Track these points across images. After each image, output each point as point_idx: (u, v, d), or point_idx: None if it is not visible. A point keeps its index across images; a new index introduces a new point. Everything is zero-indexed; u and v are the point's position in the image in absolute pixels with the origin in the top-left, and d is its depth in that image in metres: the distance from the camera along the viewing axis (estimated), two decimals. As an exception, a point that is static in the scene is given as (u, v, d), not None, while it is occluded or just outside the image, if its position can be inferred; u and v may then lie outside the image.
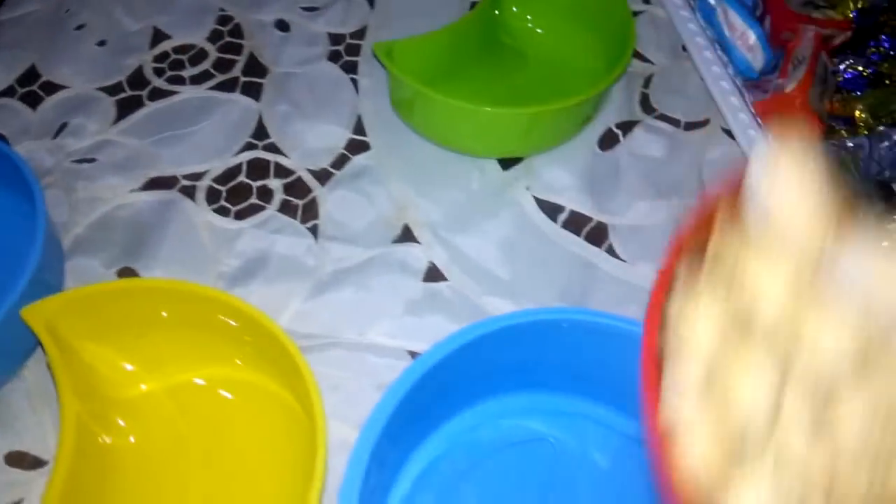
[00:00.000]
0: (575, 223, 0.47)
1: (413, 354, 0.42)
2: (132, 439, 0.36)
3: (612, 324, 0.34)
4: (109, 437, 0.35)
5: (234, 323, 0.36)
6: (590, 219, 0.47)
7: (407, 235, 0.46)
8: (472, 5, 0.58)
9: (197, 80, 0.54)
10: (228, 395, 0.39)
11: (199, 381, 0.39)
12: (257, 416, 0.38)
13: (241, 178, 0.49)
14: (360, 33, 0.57)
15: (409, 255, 0.46)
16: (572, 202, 0.48)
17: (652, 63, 0.54)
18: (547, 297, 0.44)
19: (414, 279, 0.45)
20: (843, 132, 0.48)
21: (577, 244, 0.46)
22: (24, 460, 0.38)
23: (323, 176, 0.49)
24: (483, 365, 0.35)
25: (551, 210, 0.48)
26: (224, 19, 0.58)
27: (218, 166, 0.50)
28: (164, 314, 0.37)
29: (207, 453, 0.37)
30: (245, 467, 0.37)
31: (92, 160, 0.50)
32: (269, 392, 0.38)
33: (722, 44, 0.52)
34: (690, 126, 0.52)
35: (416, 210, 0.47)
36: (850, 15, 0.52)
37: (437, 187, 0.49)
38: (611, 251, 0.46)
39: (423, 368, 0.32)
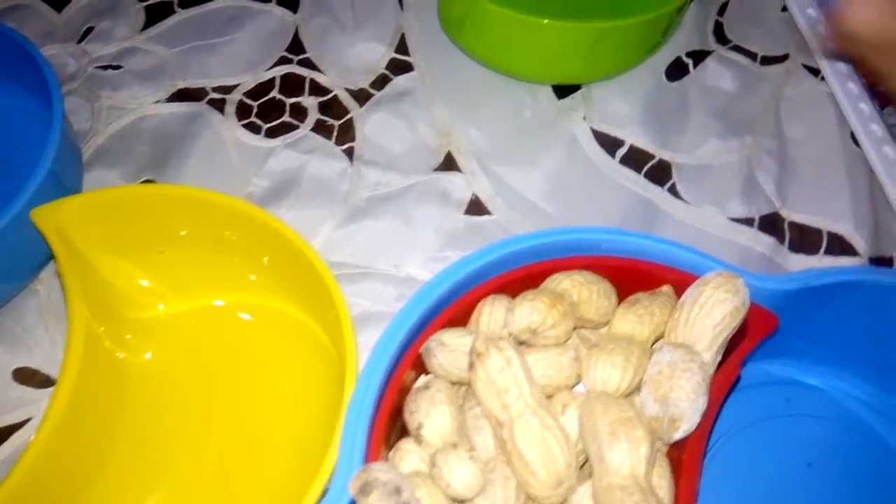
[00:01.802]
0: (635, 159, 0.43)
1: (451, 290, 0.38)
2: (148, 357, 0.34)
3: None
4: (123, 355, 0.33)
5: (260, 241, 0.33)
6: (652, 155, 0.43)
7: (449, 164, 0.43)
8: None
9: (231, -13, 0.50)
10: (250, 319, 0.36)
11: (220, 304, 0.36)
12: (282, 343, 0.36)
13: (274, 93, 0.45)
14: (409, -56, 0.52)
15: (450, 184, 0.42)
16: (633, 136, 0.44)
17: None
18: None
19: (455, 211, 0.41)
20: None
21: (635, 182, 0.42)
22: (33, 378, 0.36)
23: (361, 96, 0.45)
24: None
25: (610, 144, 0.43)
26: (263, -74, 0.53)
27: (249, 80, 0.46)
28: (184, 232, 0.34)
29: (228, 378, 0.35)
30: (268, 395, 0.34)
31: (118, 67, 0.47)
32: (296, 320, 0.36)
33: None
34: (768, 60, 0.46)
35: (461, 137, 0.43)
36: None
37: (484, 114, 0.44)
38: (673, 191, 0.42)
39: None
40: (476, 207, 0.41)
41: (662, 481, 0.24)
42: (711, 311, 0.25)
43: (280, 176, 0.42)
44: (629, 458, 0.23)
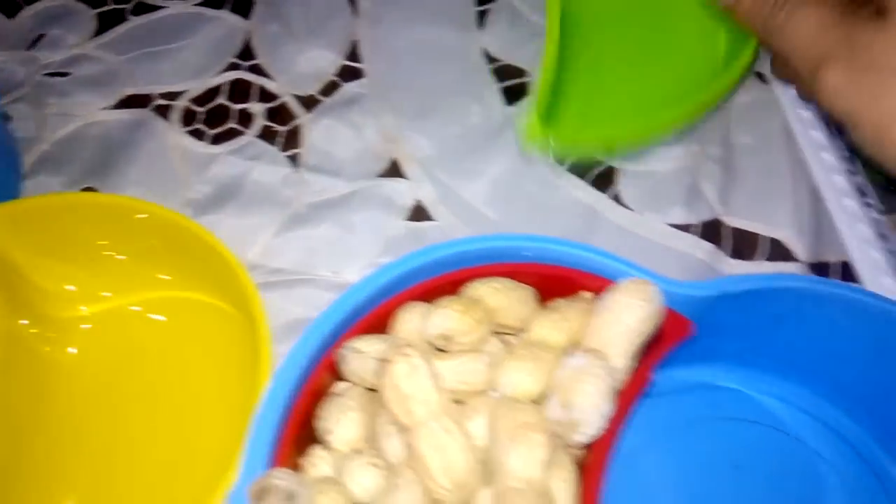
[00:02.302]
0: (581, 165, 0.43)
1: (390, 297, 0.38)
2: (71, 354, 0.34)
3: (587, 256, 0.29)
4: (46, 350, 0.33)
5: (175, 242, 0.33)
6: (599, 162, 0.43)
7: (394, 170, 0.42)
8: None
9: (184, -5, 0.50)
10: (169, 317, 0.37)
11: (139, 305, 0.36)
12: (206, 339, 0.36)
13: (221, 99, 0.45)
14: (365, -49, 0.52)
15: (394, 191, 0.42)
16: (579, 144, 0.43)
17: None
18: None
19: (397, 217, 0.41)
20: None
21: (580, 188, 0.42)
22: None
23: (310, 102, 0.45)
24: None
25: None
26: (218, -66, 0.53)
27: (197, 86, 0.46)
28: (107, 234, 0.34)
29: (152, 376, 0.35)
30: (192, 390, 0.35)
31: (65, 74, 0.47)
32: (217, 313, 0.36)
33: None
34: (719, 69, 0.46)
35: (407, 143, 0.43)
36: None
37: (432, 121, 0.44)
38: (617, 198, 0.42)
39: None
40: (418, 213, 0.41)
41: (564, 484, 0.24)
42: (621, 317, 0.25)
43: (222, 182, 0.42)
44: (525, 462, 0.22)
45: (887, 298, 0.28)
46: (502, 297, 0.28)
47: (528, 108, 0.33)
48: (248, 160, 0.43)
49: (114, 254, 0.35)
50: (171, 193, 0.42)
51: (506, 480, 0.22)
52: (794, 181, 0.41)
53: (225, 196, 0.41)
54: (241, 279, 0.30)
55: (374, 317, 0.29)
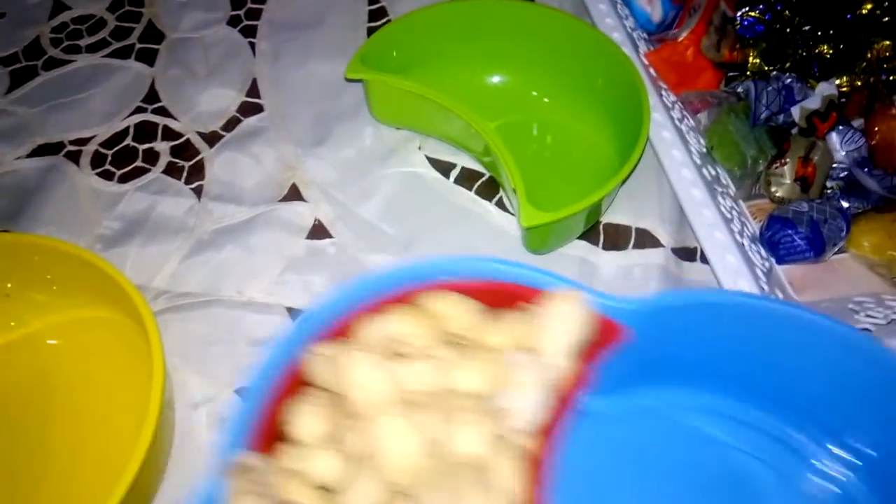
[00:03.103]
0: (467, 178, 0.46)
1: (291, 311, 0.41)
2: None
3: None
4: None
5: (70, 270, 0.36)
6: (482, 174, 0.46)
7: (294, 194, 0.45)
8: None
9: (93, 48, 0.53)
10: (63, 341, 0.39)
11: (42, 335, 0.39)
12: (100, 354, 0.38)
13: (128, 141, 0.48)
14: (262, -2, 0.56)
15: (294, 213, 0.45)
16: (465, 159, 0.47)
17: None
18: (434, 253, 0.43)
19: (297, 237, 0.44)
20: (740, 79, 0.47)
21: (468, 198, 0.46)
22: None
23: (212, 138, 0.48)
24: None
25: (443, 168, 0.47)
26: (125, -11, 0.57)
27: (105, 131, 0.49)
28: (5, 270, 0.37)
29: (53, 393, 0.37)
30: (88, 402, 0.37)
31: (-22, 128, 0.49)
32: (112, 326, 0.38)
33: (624, -1, 0.51)
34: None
35: (306, 169, 0.46)
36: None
37: (328, 146, 0.48)
38: (500, 205, 0.45)
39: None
40: (318, 232, 0.44)
41: (507, 463, 0.27)
42: (555, 322, 0.29)
43: (130, 217, 0.45)
44: (468, 440, 0.26)
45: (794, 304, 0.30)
46: (451, 307, 0.31)
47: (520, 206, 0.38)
48: (153, 195, 0.45)
49: (9, 285, 0.37)
50: (81, 231, 0.44)
51: (449, 458, 0.26)
52: (656, 177, 0.45)
53: (132, 230, 0.44)
54: (131, 295, 0.33)
55: (337, 328, 0.31)
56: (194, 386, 0.38)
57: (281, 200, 0.45)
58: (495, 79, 0.49)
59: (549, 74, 0.48)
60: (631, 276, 0.42)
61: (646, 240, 0.43)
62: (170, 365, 0.38)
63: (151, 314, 0.33)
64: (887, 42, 0.46)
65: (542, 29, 0.46)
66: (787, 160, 0.42)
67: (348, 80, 0.44)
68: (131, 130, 0.49)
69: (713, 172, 0.44)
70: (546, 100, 0.48)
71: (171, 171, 0.47)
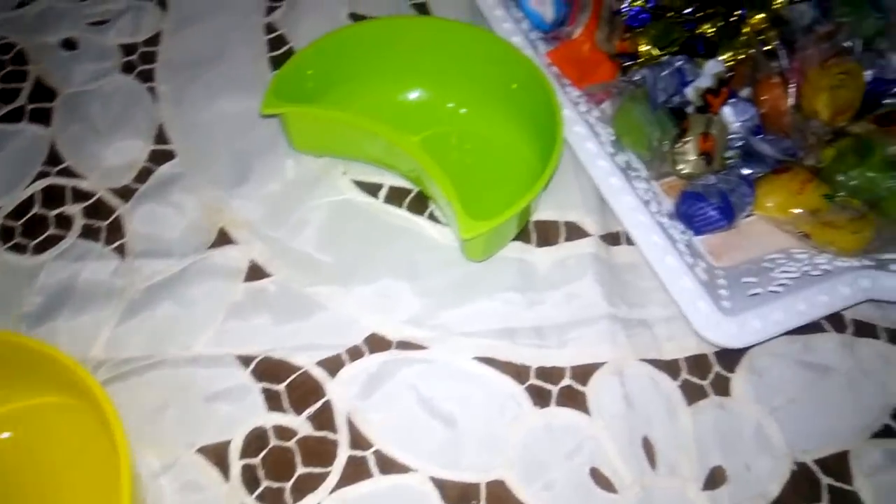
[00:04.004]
0: (396, 196, 0.47)
1: (242, 358, 0.40)
2: None
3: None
4: None
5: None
6: (409, 189, 0.47)
7: (223, 238, 0.45)
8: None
9: (-22, 115, 0.50)
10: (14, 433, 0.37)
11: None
12: (57, 439, 0.37)
13: (36, 209, 0.46)
14: (155, 39, 0.54)
15: (227, 257, 0.44)
16: (390, 178, 0.47)
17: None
18: (376, 274, 0.43)
19: (235, 281, 0.43)
20: (634, 67, 0.50)
21: (399, 216, 0.46)
22: None
23: (126, 193, 0.46)
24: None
25: (371, 189, 0.47)
26: (5, 47, 0.54)
27: (9, 202, 0.46)
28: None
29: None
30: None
31: None
32: (64, 410, 0.37)
33: (517, 1, 0.53)
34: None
35: (231, 210, 0.46)
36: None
37: (251, 184, 0.47)
38: (432, 217, 0.46)
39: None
40: (255, 273, 0.43)
41: None
42: None
43: (52, 289, 0.42)
44: None
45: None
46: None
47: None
48: (73, 262, 0.43)
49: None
50: (2, 313, 0.42)
51: None
52: (574, 170, 0.47)
53: (57, 302, 0.42)
54: (80, 375, 0.31)
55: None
56: (152, 455, 0.37)
57: (211, 247, 0.44)
58: (411, 95, 0.50)
59: (462, 85, 0.49)
60: (566, 267, 0.44)
61: (574, 232, 0.45)
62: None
63: (100, 387, 0.32)
64: (761, 15, 0.50)
65: (449, 42, 0.47)
66: (689, 138, 0.45)
67: (264, 117, 0.44)
68: (38, 197, 0.46)
69: (625, 158, 0.47)
70: (463, 110, 0.49)
71: (89, 233, 0.45)
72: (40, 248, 0.44)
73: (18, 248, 0.44)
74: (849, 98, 0.46)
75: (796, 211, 0.44)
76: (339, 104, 0.47)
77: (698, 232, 0.45)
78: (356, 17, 0.55)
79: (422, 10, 0.55)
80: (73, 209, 0.46)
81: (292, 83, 0.44)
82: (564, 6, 0.52)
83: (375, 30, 0.47)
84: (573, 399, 0.39)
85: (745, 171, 0.45)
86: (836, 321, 0.43)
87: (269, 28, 0.55)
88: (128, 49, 0.53)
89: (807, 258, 0.43)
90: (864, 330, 0.43)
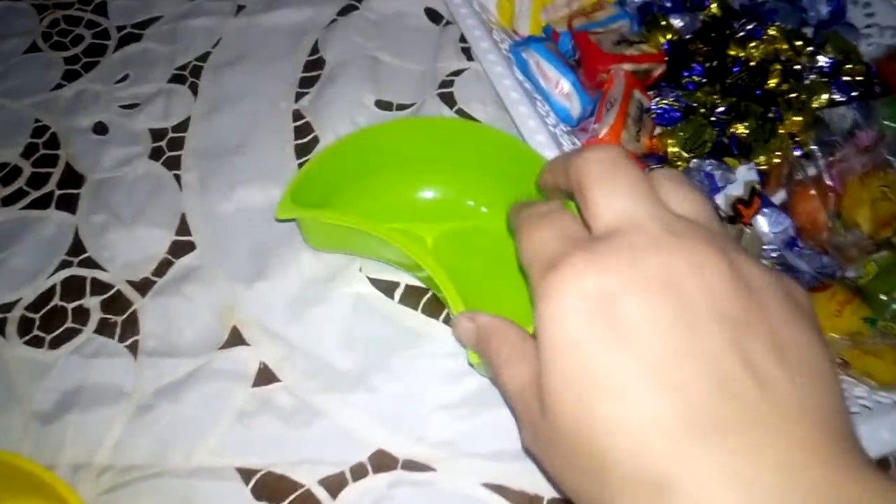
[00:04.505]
0: (412, 295, 0.46)
1: (243, 472, 0.39)
2: None
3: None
4: None
5: None
6: (426, 290, 0.46)
7: (235, 338, 0.44)
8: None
9: (9, 200, 0.51)
10: None
11: None
12: None
13: (56, 301, 0.46)
14: (184, 125, 0.55)
15: (237, 359, 0.43)
16: (407, 277, 0.47)
17: (479, 121, 0.54)
18: (388, 383, 0.42)
19: (243, 385, 0.42)
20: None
21: (415, 318, 0.45)
22: None
23: (144, 286, 0.47)
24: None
25: (387, 288, 0.46)
26: (39, 130, 0.55)
27: (30, 293, 0.47)
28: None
29: None
30: None
31: None
32: None
33: (542, 94, 0.52)
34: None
35: (245, 308, 0.45)
36: (663, 47, 0.54)
37: (267, 280, 0.46)
38: (447, 321, 0.45)
39: None
40: (264, 377, 0.43)
41: None
42: None
43: (65, 387, 0.42)
44: None
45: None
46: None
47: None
48: (87, 358, 0.43)
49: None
50: (13, 409, 0.42)
51: None
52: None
53: (69, 401, 0.42)
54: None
55: None
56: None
57: (222, 347, 0.44)
58: (428, 193, 0.49)
59: (482, 185, 0.48)
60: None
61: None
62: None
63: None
64: (797, 118, 0.48)
65: (467, 142, 0.46)
66: (719, 251, 0.43)
67: (279, 221, 0.44)
68: (58, 288, 0.47)
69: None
70: (484, 209, 0.48)
71: (104, 328, 0.45)
72: (56, 343, 0.44)
73: (36, 342, 0.45)
74: (892, 210, 0.43)
75: (834, 336, 0.41)
76: (355, 201, 0.46)
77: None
78: (382, 105, 0.55)
79: (448, 98, 0.55)
80: (92, 302, 0.46)
81: (309, 186, 0.44)
82: (591, 101, 0.51)
83: (394, 132, 0.47)
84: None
85: (779, 288, 0.43)
86: (878, 461, 0.40)
87: (297, 115, 0.55)
88: (157, 135, 0.54)
89: (846, 388, 0.40)
90: (909, 468, 0.40)
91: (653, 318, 0.21)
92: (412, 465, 0.39)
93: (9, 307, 0.46)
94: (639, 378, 0.21)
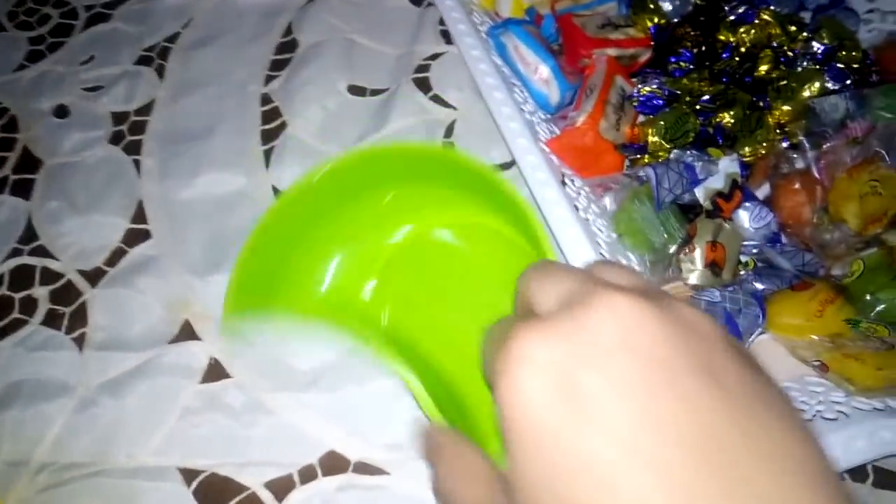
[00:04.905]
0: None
1: (186, 472, 0.37)
2: None
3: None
4: None
5: None
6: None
7: (187, 332, 0.42)
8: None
9: (-37, 184, 0.50)
10: None
11: None
12: None
13: (3, 290, 0.44)
14: (147, 108, 0.53)
15: (187, 354, 0.41)
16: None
17: (454, 108, 0.51)
18: (343, 382, 0.40)
19: (191, 381, 0.40)
20: (643, 160, 0.46)
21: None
22: None
23: (95, 276, 0.45)
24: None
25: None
26: (-2, 112, 0.53)
27: (-23, 281, 0.45)
28: None
29: None
30: None
31: None
32: None
33: (520, 80, 0.50)
34: (498, 168, 0.49)
35: (199, 302, 0.43)
36: (650, 31, 0.51)
37: (224, 272, 0.44)
38: (408, 319, 0.43)
39: None
40: (214, 373, 0.41)
41: None
42: None
43: (6, 381, 0.41)
44: None
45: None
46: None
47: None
48: (31, 351, 0.42)
49: None
50: (-48, 403, 0.40)
51: None
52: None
53: (10, 395, 0.40)
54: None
55: None
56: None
57: (172, 341, 0.42)
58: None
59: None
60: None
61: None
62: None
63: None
64: (786, 107, 0.45)
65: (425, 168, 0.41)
66: (696, 246, 0.41)
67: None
68: (7, 277, 0.45)
69: (625, 261, 0.42)
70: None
71: (52, 319, 0.43)
72: (1, 334, 0.43)
73: (-20, 333, 0.43)
74: (882, 206, 0.41)
75: (813, 337, 0.38)
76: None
77: (701, 353, 0.40)
78: (355, 90, 0.53)
79: (422, 83, 0.52)
80: (41, 292, 0.44)
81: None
82: (570, 87, 0.49)
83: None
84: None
85: (758, 286, 0.40)
86: (854, 470, 0.37)
87: (265, 99, 0.53)
88: (119, 118, 0.52)
89: (823, 392, 0.38)
90: (890, 480, 0.37)
91: (611, 384, 0.20)
92: (364, 469, 0.37)
93: (-45, 296, 0.44)
94: (615, 459, 0.19)
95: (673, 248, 0.42)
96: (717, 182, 0.43)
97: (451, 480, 0.25)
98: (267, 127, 0.51)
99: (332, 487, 0.37)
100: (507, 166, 0.49)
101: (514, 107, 0.47)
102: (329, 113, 0.52)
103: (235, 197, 0.48)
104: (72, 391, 0.40)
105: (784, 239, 0.42)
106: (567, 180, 0.45)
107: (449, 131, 0.50)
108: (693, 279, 0.41)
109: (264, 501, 0.37)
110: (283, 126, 0.51)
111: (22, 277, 0.45)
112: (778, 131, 0.45)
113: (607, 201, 0.45)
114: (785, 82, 0.47)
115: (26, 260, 0.46)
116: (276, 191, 0.48)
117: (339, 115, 0.51)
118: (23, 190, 0.49)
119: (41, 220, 0.47)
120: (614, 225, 0.44)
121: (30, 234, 0.47)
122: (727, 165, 0.43)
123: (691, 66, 0.50)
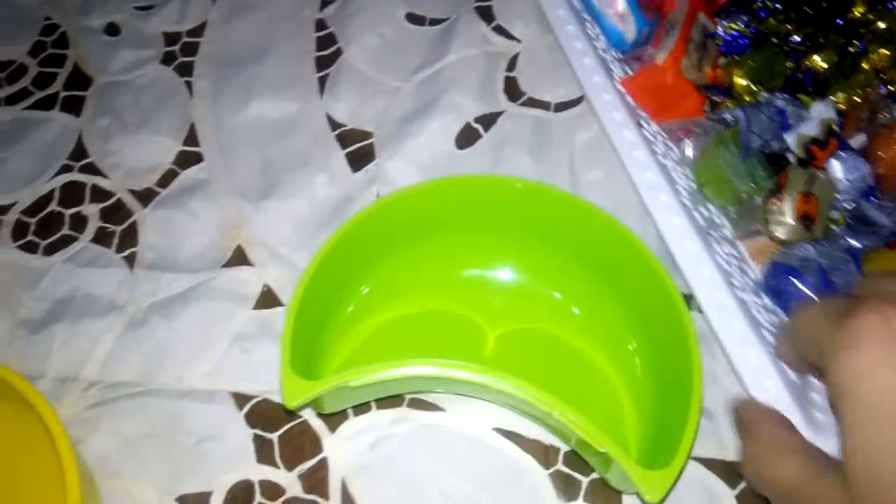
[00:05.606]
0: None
1: (238, 397, 0.36)
2: None
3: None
4: None
5: None
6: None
7: (239, 257, 0.41)
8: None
9: (13, 99, 0.48)
10: None
11: None
12: None
13: (53, 206, 0.43)
14: (199, 30, 0.51)
15: (239, 279, 0.40)
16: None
17: (518, 40, 0.48)
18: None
19: (244, 307, 0.39)
20: (726, 103, 0.43)
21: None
22: None
23: (146, 196, 0.43)
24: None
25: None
26: (48, 28, 0.52)
27: (27, 196, 0.44)
28: None
29: None
30: None
31: None
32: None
33: (593, 14, 0.47)
34: (562, 107, 0.46)
35: (252, 227, 0.42)
36: (736, -34, 0.47)
37: (277, 199, 0.43)
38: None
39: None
40: (267, 300, 0.39)
41: None
42: None
43: (57, 295, 0.40)
44: None
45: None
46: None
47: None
48: (81, 267, 0.41)
49: None
50: (1, 314, 0.39)
51: None
52: (642, 223, 0.40)
53: (59, 310, 0.39)
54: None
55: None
56: (121, 493, 0.34)
57: (224, 265, 0.40)
58: (504, 274, 0.38)
59: (567, 272, 0.37)
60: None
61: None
62: (101, 471, 0.34)
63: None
64: (885, 51, 0.42)
65: (546, 212, 0.37)
66: (786, 196, 0.38)
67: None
68: (57, 193, 0.44)
69: (705, 213, 0.40)
70: (575, 310, 0.37)
71: (102, 237, 0.42)
72: (51, 249, 0.42)
73: (29, 247, 0.42)
74: None
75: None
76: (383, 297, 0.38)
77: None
78: (414, 18, 0.50)
79: (485, 13, 0.49)
80: (91, 209, 0.43)
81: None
82: (648, 24, 0.46)
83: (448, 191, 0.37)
84: (607, 498, 0.33)
85: (853, 243, 0.38)
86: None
87: (320, 25, 0.50)
88: (170, 38, 0.50)
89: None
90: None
91: None
92: (419, 404, 0.36)
93: (4, 210, 0.43)
94: None
95: (759, 200, 0.39)
96: (810, 128, 0.40)
97: (766, 456, 0.24)
98: (321, 53, 0.49)
99: (385, 420, 0.35)
100: (571, 104, 0.46)
101: (588, 41, 0.44)
102: (386, 41, 0.49)
103: (288, 123, 0.46)
104: (121, 310, 0.39)
105: (879, 193, 0.39)
106: (643, 122, 0.42)
107: (511, 65, 0.47)
108: (782, 233, 0.38)
109: (316, 430, 0.35)
110: (337, 53, 0.49)
111: (72, 194, 0.44)
112: (876, 77, 0.42)
113: (686, 148, 0.42)
114: (884, 25, 0.43)
115: (76, 177, 0.44)
116: (329, 119, 0.46)
117: (396, 44, 0.49)
118: (73, 106, 0.47)
119: (91, 138, 0.46)
120: (695, 174, 0.41)
121: (80, 152, 0.45)
122: (821, 111, 0.40)
123: (778, 6, 0.46)
